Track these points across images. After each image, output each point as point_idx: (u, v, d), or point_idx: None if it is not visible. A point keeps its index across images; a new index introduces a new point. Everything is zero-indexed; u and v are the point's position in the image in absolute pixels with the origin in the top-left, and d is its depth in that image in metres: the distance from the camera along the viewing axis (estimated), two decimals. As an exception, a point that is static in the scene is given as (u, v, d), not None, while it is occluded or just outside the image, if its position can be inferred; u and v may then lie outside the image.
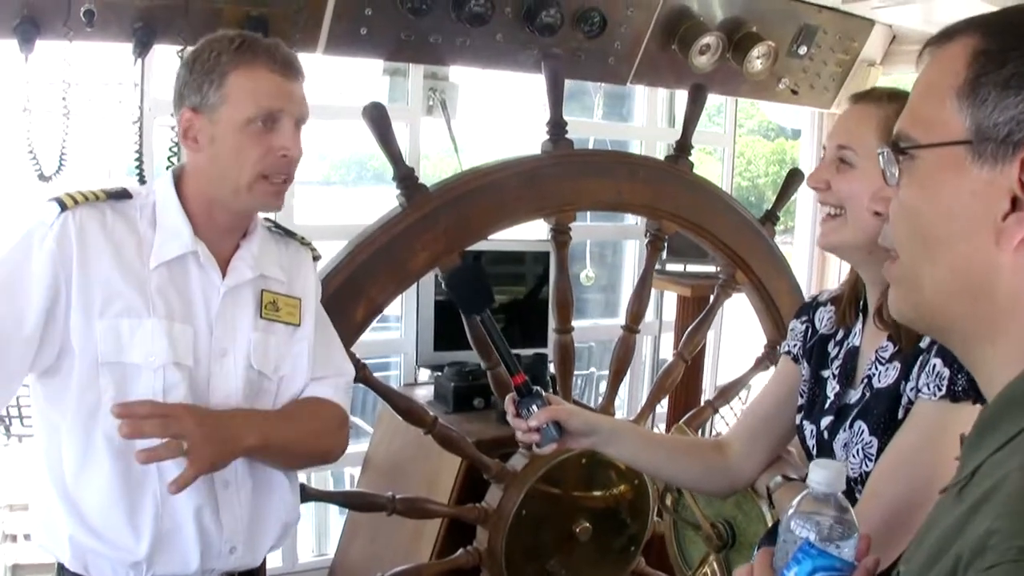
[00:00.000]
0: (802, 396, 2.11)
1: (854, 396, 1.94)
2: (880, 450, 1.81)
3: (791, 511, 1.24)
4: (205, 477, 2.08)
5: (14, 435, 7.36)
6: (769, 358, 3.66)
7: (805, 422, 2.06)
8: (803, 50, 4.23)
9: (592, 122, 4.52)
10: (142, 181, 3.05)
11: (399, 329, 4.16)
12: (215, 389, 2.16)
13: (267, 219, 2.40)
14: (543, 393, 2.11)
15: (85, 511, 2.07)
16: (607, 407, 3.42)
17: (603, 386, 6.50)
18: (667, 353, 4.58)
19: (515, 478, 3.16)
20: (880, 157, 1.16)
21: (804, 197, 4.93)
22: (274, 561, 3.74)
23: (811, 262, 5.05)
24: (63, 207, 2.01)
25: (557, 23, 3.48)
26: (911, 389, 1.79)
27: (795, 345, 2.19)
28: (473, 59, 3.59)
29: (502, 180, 3.09)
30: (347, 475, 4.53)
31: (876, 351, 1.92)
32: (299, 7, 3.10)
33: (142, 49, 2.94)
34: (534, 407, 2.08)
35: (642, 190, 3.35)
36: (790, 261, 3.93)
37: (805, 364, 2.13)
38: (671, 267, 4.53)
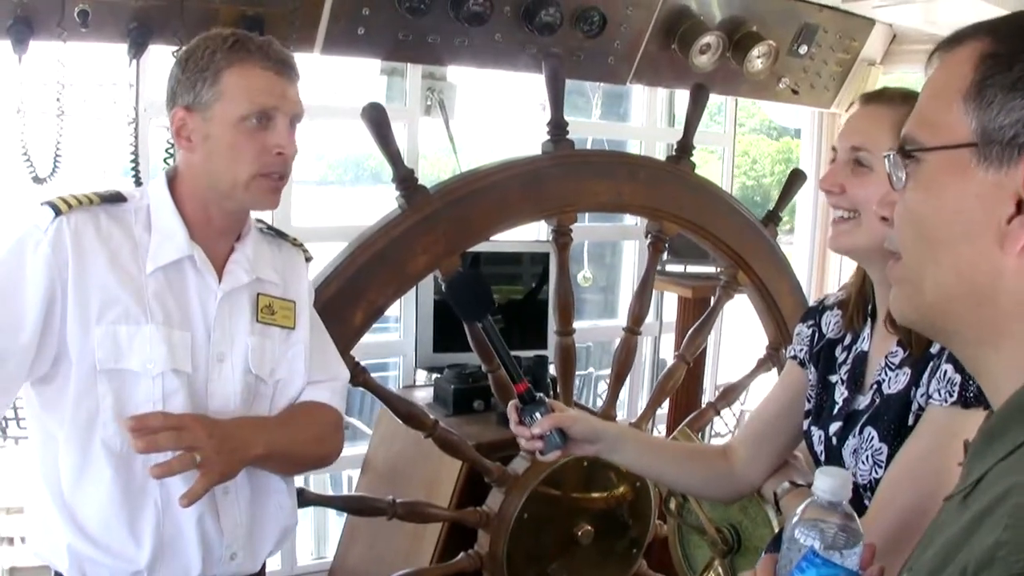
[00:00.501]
0: (809, 401, 2.09)
1: (863, 402, 1.92)
2: (890, 457, 1.79)
3: (796, 519, 1.23)
4: None
5: (10, 437, 7.33)
6: (771, 360, 3.64)
7: (813, 428, 2.04)
8: (803, 49, 4.23)
9: (591, 122, 4.51)
10: (138, 183, 3.03)
11: (398, 330, 4.14)
12: (213, 395, 2.14)
13: (259, 220, 2.38)
14: (546, 400, 2.10)
15: (83, 520, 2.04)
16: (608, 410, 3.40)
17: (601, 386, 6.56)
18: (667, 354, 4.57)
19: (516, 481, 3.14)
20: (886, 160, 1.15)
21: (804, 197, 4.92)
22: (273, 564, 3.73)
23: (811, 263, 5.04)
24: (57, 212, 1.99)
25: (556, 22, 3.47)
26: (922, 395, 1.77)
27: (801, 350, 2.17)
28: (472, 59, 3.58)
29: (503, 181, 3.07)
30: (345, 477, 4.52)
31: (886, 356, 1.90)
32: (295, 7, 3.08)
33: (137, 50, 2.92)
34: (537, 414, 2.07)
35: (643, 191, 3.33)
36: (790, 262, 3.91)
37: (812, 369, 2.11)
38: (671, 268, 4.51)
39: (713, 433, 4.35)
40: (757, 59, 3.97)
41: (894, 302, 1.18)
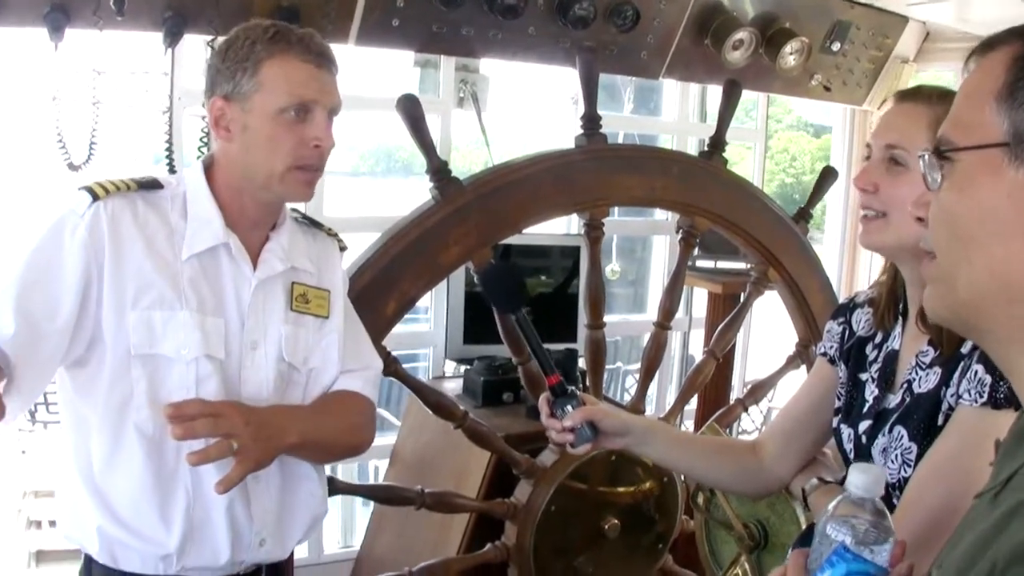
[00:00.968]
0: (839, 399, 2.09)
1: (893, 401, 1.92)
2: (919, 456, 1.79)
3: (827, 514, 1.24)
4: None
5: (39, 421, 7.40)
6: (800, 357, 3.64)
7: (843, 426, 2.04)
8: (836, 46, 4.21)
9: (623, 116, 4.52)
10: (172, 171, 3.05)
11: (428, 322, 4.17)
12: (246, 381, 2.16)
13: (294, 210, 2.39)
14: (577, 393, 2.10)
15: (114, 503, 2.06)
16: (637, 404, 3.40)
17: (629, 381, 6.56)
18: (696, 350, 4.58)
19: (544, 474, 3.15)
20: (920, 161, 1.15)
21: (835, 195, 4.91)
22: (300, 553, 3.74)
23: (841, 260, 5.03)
24: (94, 197, 2.01)
25: (590, 16, 3.47)
26: (952, 395, 1.77)
27: (832, 347, 2.17)
28: (505, 52, 3.59)
29: (536, 174, 3.08)
30: (371, 467, 4.54)
31: (916, 355, 1.89)
32: (331, -3, 3.09)
33: (172, 39, 2.95)
34: (569, 407, 2.07)
35: (676, 186, 3.33)
36: (821, 259, 3.91)
37: (842, 366, 2.11)
38: (702, 264, 4.51)
39: (741, 430, 4.35)
40: (790, 55, 3.95)
41: (928, 300, 1.19)
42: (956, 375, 1.77)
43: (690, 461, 2.29)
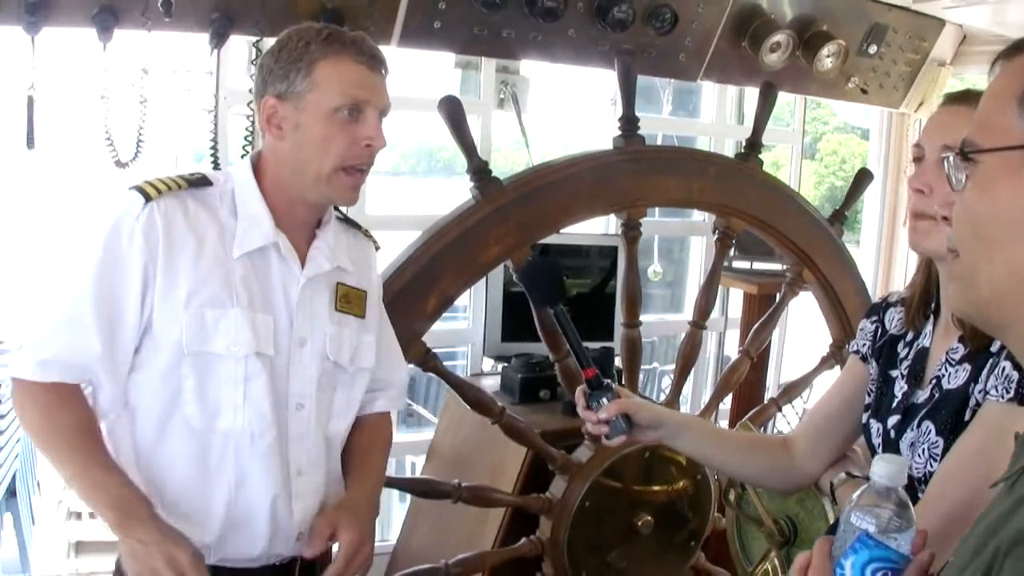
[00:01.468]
0: (869, 395, 2.12)
1: (922, 396, 1.95)
2: (946, 450, 1.82)
3: (852, 503, 1.27)
4: (282, 466, 2.16)
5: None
6: (835, 357, 3.66)
7: (872, 420, 2.07)
8: (873, 49, 4.22)
9: (661, 118, 4.55)
10: (216, 169, 3.10)
11: (467, 319, 4.21)
12: (294, 378, 2.19)
13: (335, 209, 2.41)
14: (613, 386, 2.15)
15: (160, 487, 2.09)
16: (672, 402, 3.44)
17: (666, 381, 6.58)
18: (732, 350, 4.59)
19: (580, 470, 3.19)
20: (945, 162, 1.19)
21: (872, 197, 4.92)
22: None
23: (877, 262, 5.03)
24: (147, 198, 2.04)
25: (629, 19, 3.49)
26: (980, 391, 1.80)
27: (864, 345, 2.20)
28: (545, 54, 3.61)
29: (575, 175, 3.12)
30: (408, 463, 4.59)
31: (947, 352, 1.92)
32: (373, 0, 3.15)
33: (219, 40, 2.99)
34: (604, 400, 2.12)
35: (712, 187, 3.37)
36: (856, 261, 3.92)
37: (874, 363, 2.14)
38: (738, 264, 4.53)
39: (776, 430, 4.36)
40: (827, 58, 3.97)
41: (952, 297, 1.23)
42: (985, 372, 1.80)
43: (723, 456, 2.33)
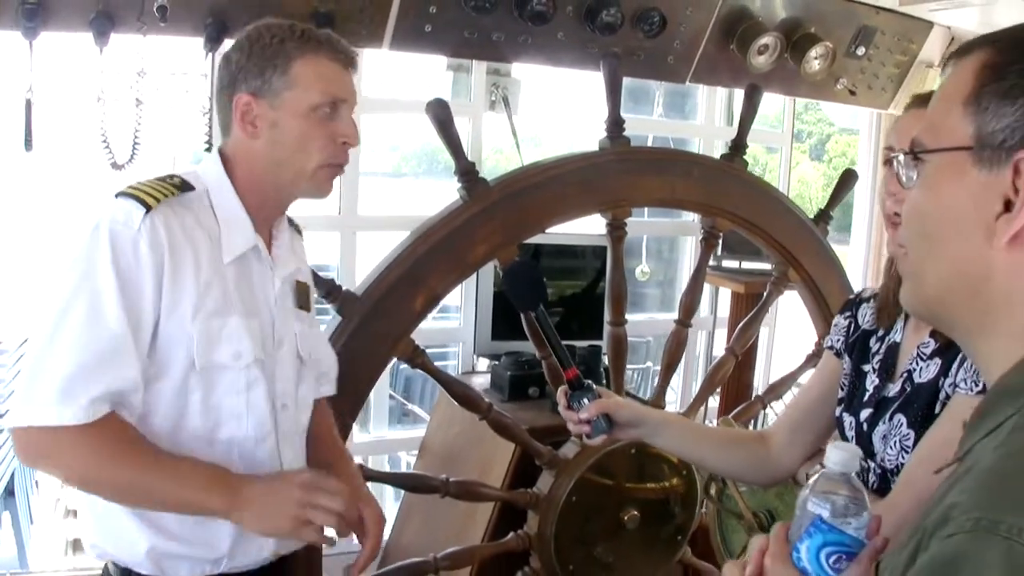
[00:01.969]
0: (842, 389, 2.16)
1: (893, 390, 1.99)
2: (917, 442, 1.86)
3: (807, 490, 1.31)
4: (279, 468, 2.16)
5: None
6: (819, 355, 3.68)
7: (845, 414, 2.11)
8: (861, 51, 4.26)
9: (651, 119, 4.59)
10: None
11: (459, 319, 4.27)
12: (278, 379, 2.17)
13: None
14: (594, 387, 2.19)
15: (166, 522, 2.04)
16: (658, 399, 3.48)
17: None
18: (721, 349, 4.64)
19: (566, 465, 3.24)
20: (895, 161, 1.24)
21: (861, 197, 4.96)
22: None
23: (867, 262, 5.07)
24: (147, 208, 1.93)
25: (617, 22, 3.54)
26: (950, 385, 1.85)
27: (838, 340, 2.25)
28: (535, 57, 3.66)
29: (560, 175, 3.17)
30: (403, 461, 4.64)
31: (918, 347, 1.97)
32: (365, 4, 3.20)
33: (212, 44, 3.03)
34: (585, 400, 2.16)
35: (697, 188, 3.42)
36: (846, 261, 3.96)
37: (847, 358, 2.18)
38: (727, 264, 4.58)
39: (763, 427, 4.40)
40: (814, 60, 4.01)
41: (903, 294, 1.27)
42: (955, 366, 1.84)
43: (702, 452, 2.36)
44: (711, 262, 4.60)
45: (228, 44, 3.03)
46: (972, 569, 0.89)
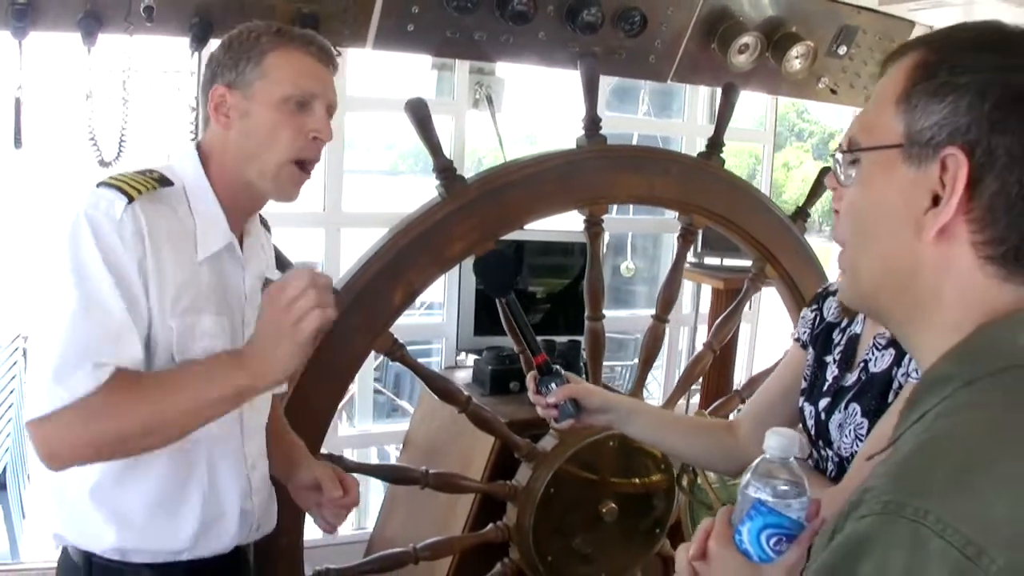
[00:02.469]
0: (805, 380, 2.20)
1: (851, 379, 2.04)
2: (870, 430, 1.92)
3: (749, 474, 1.36)
4: (241, 462, 2.20)
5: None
6: (798, 351, 3.75)
7: (806, 404, 2.15)
8: (843, 50, 4.30)
9: (635, 118, 4.64)
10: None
11: (442, 314, 4.34)
12: None
13: None
14: (562, 372, 2.23)
15: (128, 514, 2.07)
16: (635, 393, 3.53)
17: (648, 377, 6.64)
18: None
19: (544, 458, 3.29)
20: (832, 159, 1.29)
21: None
22: (316, 534, 3.90)
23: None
24: (129, 198, 1.92)
25: (598, 22, 3.57)
26: (902, 375, 1.89)
27: (804, 332, 2.29)
28: (516, 56, 3.70)
29: (538, 173, 3.20)
30: (393, 454, 4.70)
31: (875, 337, 2.02)
32: (348, 4, 3.24)
33: (198, 43, 3.08)
34: (553, 385, 2.21)
35: (674, 185, 3.45)
36: (830, 258, 4.00)
37: (811, 350, 2.22)
38: (708, 261, 4.63)
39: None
40: (795, 59, 4.05)
41: (840, 287, 1.32)
42: (907, 356, 1.88)
43: (670, 439, 2.40)
44: (693, 259, 4.68)
45: (214, 43, 3.11)
46: (880, 548, 0.94)
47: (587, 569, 3.45)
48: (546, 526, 3.30)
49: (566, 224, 3.78)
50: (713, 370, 3.86)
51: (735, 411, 3.84)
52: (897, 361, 1.93)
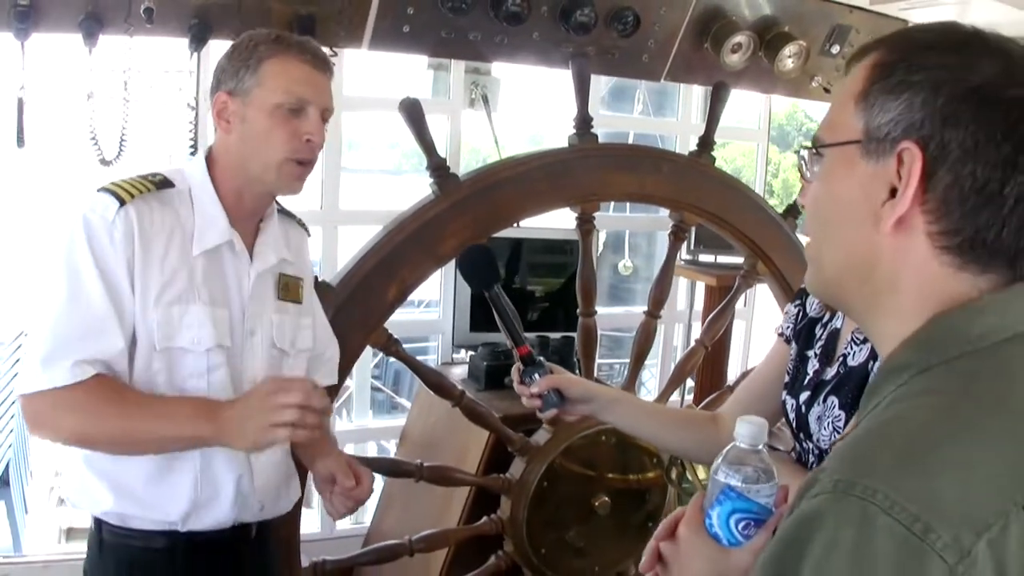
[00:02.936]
0: (788, 374, 2.24)
1: (830, 373, 2.07)
2: (847, 423, 1.96)
3: (719, 460, 1.40)
4: None
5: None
6: (789, 346, 3.78)
7: (788, 397, 2.19)
8: (836, 49, 4.30)
9: (629, 117, 4.68)
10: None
11: (438, 311, 4.38)
12: (247, 367, 2.31)
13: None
14: (545, 363, 2.28)
15: (125, 484, 2.21)
16: (629, 388, 3.55)
17: (646, 374, 6.68)
18: (700, 341, 4.73)
19: (537, 451, 3.33)
20: (797, 156, 1.34)
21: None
22: (312, 527, 3.96)
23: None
24: (121, 201, 2.11)
25: (591, 22, 3.59)
26: (878, 368, 1.94)
27: (787, 327, 2.32)
28: (511, 56, 3.73)
29: (530, 171, 3.25)
30: (392, 452, 4.74)
31: (853, 332, 2.06)
32: (344, 6, 3.28)
33: (197, 44, 3.13)
34: (536, 375, 2.26)
35: (665, 183, 3.49)
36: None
37: (794, 344, 2.25)
38: (703, 258, 4.68)
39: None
40: (788, 58, 4.07)
41: (806, 277, 1.36)
42: None
43: (653, 430, 2.42)
44: (688, 256, 4.72)
45: (213, 44, 3.17)
46: (831, 525, 0.98)
47: (580, 562, 3.50)
48: (539, 519, 3.35)
49: (565, 223, 3.82)
50: (706, 365, 3.91)
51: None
52: (873, 355, 1.96)
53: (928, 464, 1.00)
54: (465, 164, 4.16)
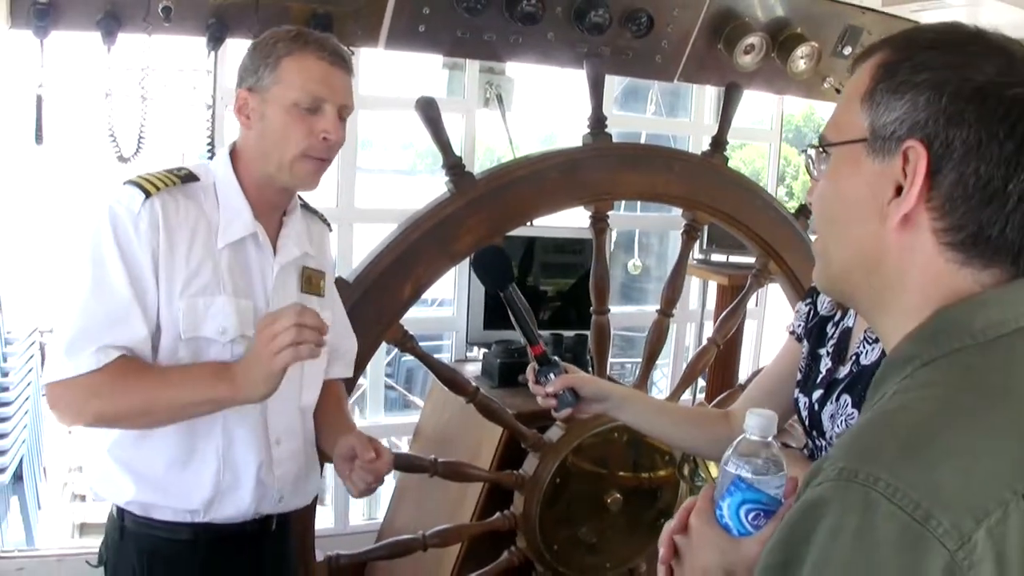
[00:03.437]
0: (800, 372, 2.26)
1: (843, 371, 2.09)
2: None
3: (730, 451, 1.43)
4: (263, 436, 2.34)
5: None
6: (800, 345, 3.80)
7: (800, 395, 2.21)
8: (848, 51, 4.32)
9: (643, 117, 4.70)
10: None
11: (452, 308, 4.43)
12: None
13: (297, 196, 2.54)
14: (560, 363, 2.30)
15: (146, 473, 2.26)
16: (640, 386, 3.57)
17: (657, 375, 6.71)
18: (713, 341, 4.76)
19: (551, 448, 3.35)
20: (804, 155, 1.36)
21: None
22: (327, 523, 3.99)
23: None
24: (147, 194, 2.15)
25: (605, 23, 3.63)
26: (883, 361, 1.96)
27: (799, 325, 2.34)
28: (525, 56, 3.76)
29: (544, 170, 3.27)
30: (405, 444, 4.77)
31: (865, 331, 2.08)
32: (361, 5, 3.32)
33: (215, 43, 3.18)
34: (551, 375, 2.27)
35: (678, 182, 3.51)
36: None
37: (806, 343, 2.27)
38: (715, 258, 4.70)
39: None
40: (800, 60, 4.10)
41: (814, 273, 1.39)
42: None
43: (665, 428, 2.44)
44: (700, 256, 4.74)
45: (230, 43, 3.20)
46: (835, 511, 1.01)
47: (592, 558, 3.52)
48: (552, 515, 3.37)
49: (577, 222, 3.84)
50: (718, 364, 3.93)
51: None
52: (885, 354, 1.98)
53: (930, 453, 1.02)
54: (479, 163, 4.18)
